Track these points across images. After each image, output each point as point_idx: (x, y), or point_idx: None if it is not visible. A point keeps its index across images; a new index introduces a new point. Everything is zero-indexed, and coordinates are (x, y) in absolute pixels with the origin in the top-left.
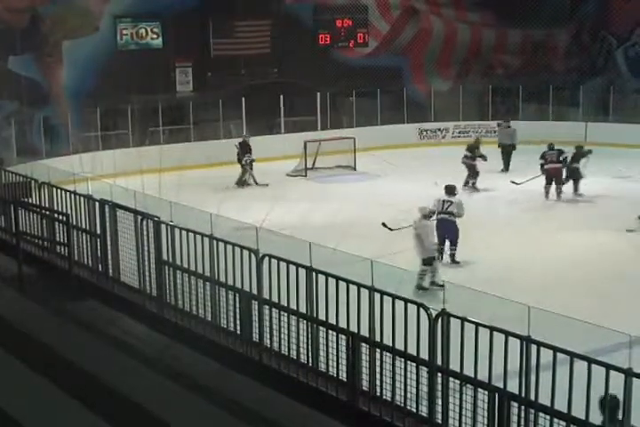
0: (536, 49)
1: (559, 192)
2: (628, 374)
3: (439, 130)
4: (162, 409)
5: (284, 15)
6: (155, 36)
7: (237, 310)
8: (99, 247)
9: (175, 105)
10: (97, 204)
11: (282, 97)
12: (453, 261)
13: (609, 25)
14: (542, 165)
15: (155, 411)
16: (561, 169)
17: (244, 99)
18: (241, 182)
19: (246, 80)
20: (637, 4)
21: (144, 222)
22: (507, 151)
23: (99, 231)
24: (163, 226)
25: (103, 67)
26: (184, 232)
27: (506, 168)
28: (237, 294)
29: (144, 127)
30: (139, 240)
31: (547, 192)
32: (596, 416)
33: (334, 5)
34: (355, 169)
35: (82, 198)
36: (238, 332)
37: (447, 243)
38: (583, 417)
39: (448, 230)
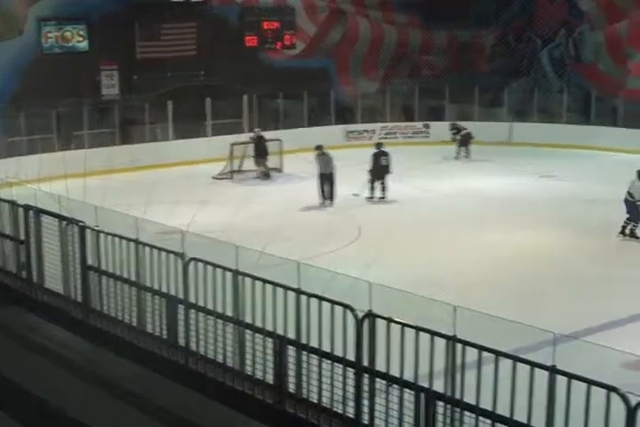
0: (462, 50)
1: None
2: (553, 371)
3: (366, 131)
4: (87, 415)
5: (210, 17)
6: (80, 39)
7: (164, 315)
8: (23, 253)
9: (101, 108)
10: (21, 209)
11: (209, 99)
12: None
13: (534, 26)
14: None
15: (80, 417)
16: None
17: (170, 102)
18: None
19: (173, 83)
20: (561, 5)
21: (69, 227)
22: (324, 180)
23: (23, 237)
24: (88, 231)
25: (28, 70)
26: (109, 237)
27: (328, 197)
28: (164, 299)
29: (69, 131)
30: (64, 245)
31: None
32: (521, 414)
33: (261, 7)
34: (282, 171)
35: (5, 204)
36: (165, 336)
37: None
38: (508, 415)
39: None
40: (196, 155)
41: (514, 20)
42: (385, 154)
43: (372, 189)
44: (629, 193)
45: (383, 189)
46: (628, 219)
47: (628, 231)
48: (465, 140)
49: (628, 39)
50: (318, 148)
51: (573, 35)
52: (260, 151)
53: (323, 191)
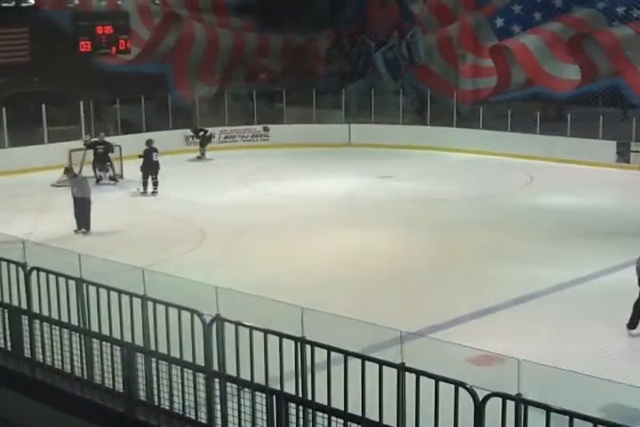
0: (298, 53)
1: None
2: (401, 369)
3: None
4: None
5: (42, 22)
6: None
7: (7, 326)
8: None
9: None
10: None
11: (44, 106)
12: None
13: (367, 29)
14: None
15: None
16: None
17: (4, 108)
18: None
19: (6, 89)
20: (393, 9)
21: None
22: (81, 206)
23: None
24: None
25: None
26: None
27: (81, 226)
28: (6, 310)
29: None
30: None
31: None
32: (372, 412)
33: (94, 12)
34: (122, 177)
35: None
36: (9, 348)
37: None
38: (360, 414)
39: None
40: (34, 162)
41: (347, 23)
42: (155, 150)
43: (145, 184)
44: None
45: (155, 184)
46: None
47: None
48: (206, 141)
49: (459, 41)
50: (68, 170)
51: (406, 37)
52: (105, 156)
53: (78, 218)
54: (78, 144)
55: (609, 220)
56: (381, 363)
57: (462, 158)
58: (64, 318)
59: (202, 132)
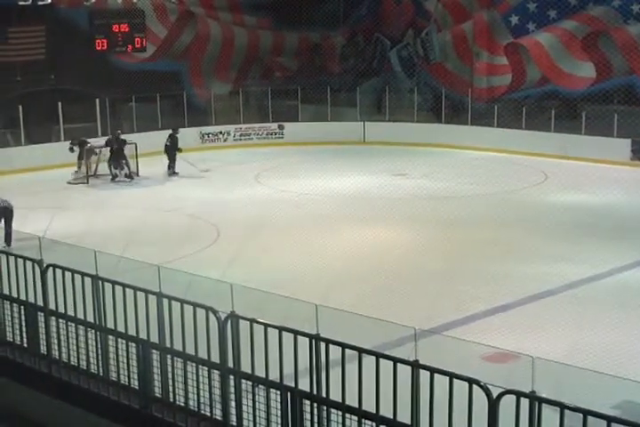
0: (313, 51)
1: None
2: (415, 366)
3: (221, 133)
4: None
5: (58, 20)
6: None
7: (23, 323)
8: None
9: None
10: None
11: (60, 103)
12: None
13: (382, 27)
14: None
15: None
16: None
17: (20, 106)
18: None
19: (22, 87)
20: (407, 6)
21: None
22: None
23: None
24: None
25: None
26: None
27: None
28: (22, 307)
29: None
30: None
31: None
32: (387, 409)
33: (110, 10)
34: (137, 175)
35: None
36: (25, 345)
37: None
38: (374, 411)
39: None
40: (50, 160)
41: (362, 21)
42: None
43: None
44: None
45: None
46: None
47: None
48: (87, 154)
49: (474, 39)
50: None
51: (421, 35)
52: (120, 153)
53: None
54: (95, 142)
55: (622, 218)
56: (395, 360)
57: (476, 156)
58: (80, 315)
59: (87, 145)
